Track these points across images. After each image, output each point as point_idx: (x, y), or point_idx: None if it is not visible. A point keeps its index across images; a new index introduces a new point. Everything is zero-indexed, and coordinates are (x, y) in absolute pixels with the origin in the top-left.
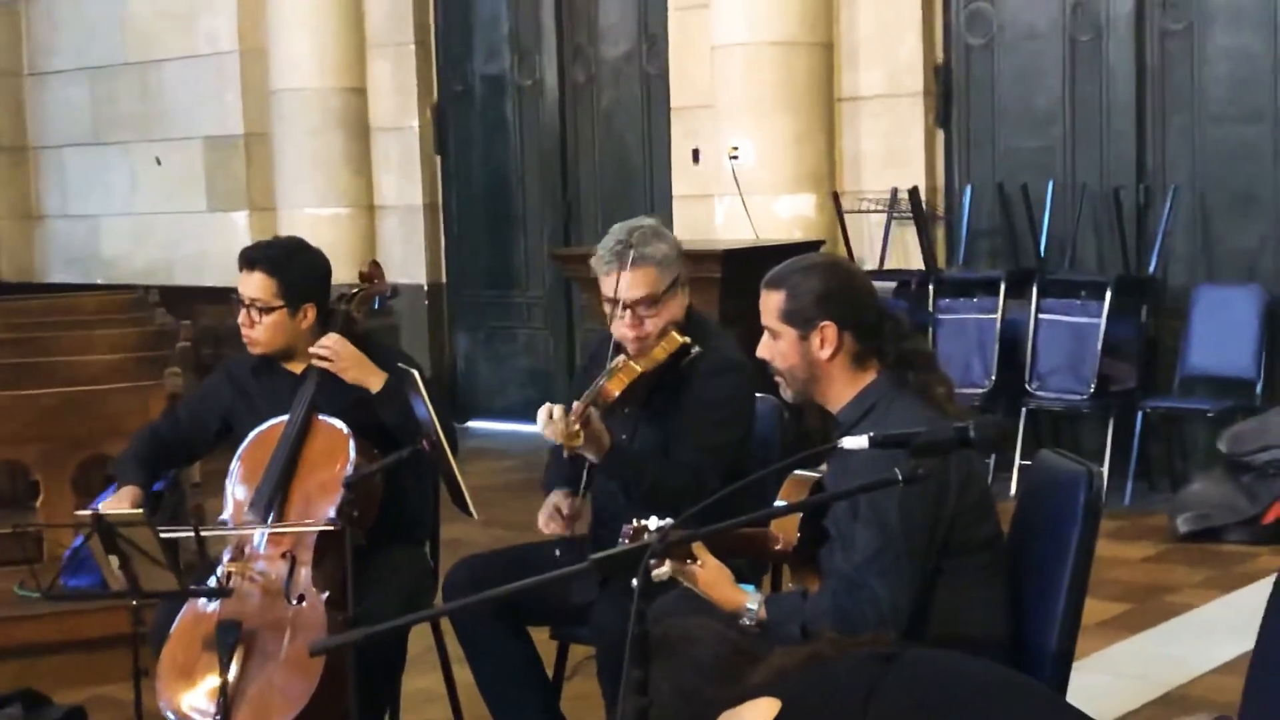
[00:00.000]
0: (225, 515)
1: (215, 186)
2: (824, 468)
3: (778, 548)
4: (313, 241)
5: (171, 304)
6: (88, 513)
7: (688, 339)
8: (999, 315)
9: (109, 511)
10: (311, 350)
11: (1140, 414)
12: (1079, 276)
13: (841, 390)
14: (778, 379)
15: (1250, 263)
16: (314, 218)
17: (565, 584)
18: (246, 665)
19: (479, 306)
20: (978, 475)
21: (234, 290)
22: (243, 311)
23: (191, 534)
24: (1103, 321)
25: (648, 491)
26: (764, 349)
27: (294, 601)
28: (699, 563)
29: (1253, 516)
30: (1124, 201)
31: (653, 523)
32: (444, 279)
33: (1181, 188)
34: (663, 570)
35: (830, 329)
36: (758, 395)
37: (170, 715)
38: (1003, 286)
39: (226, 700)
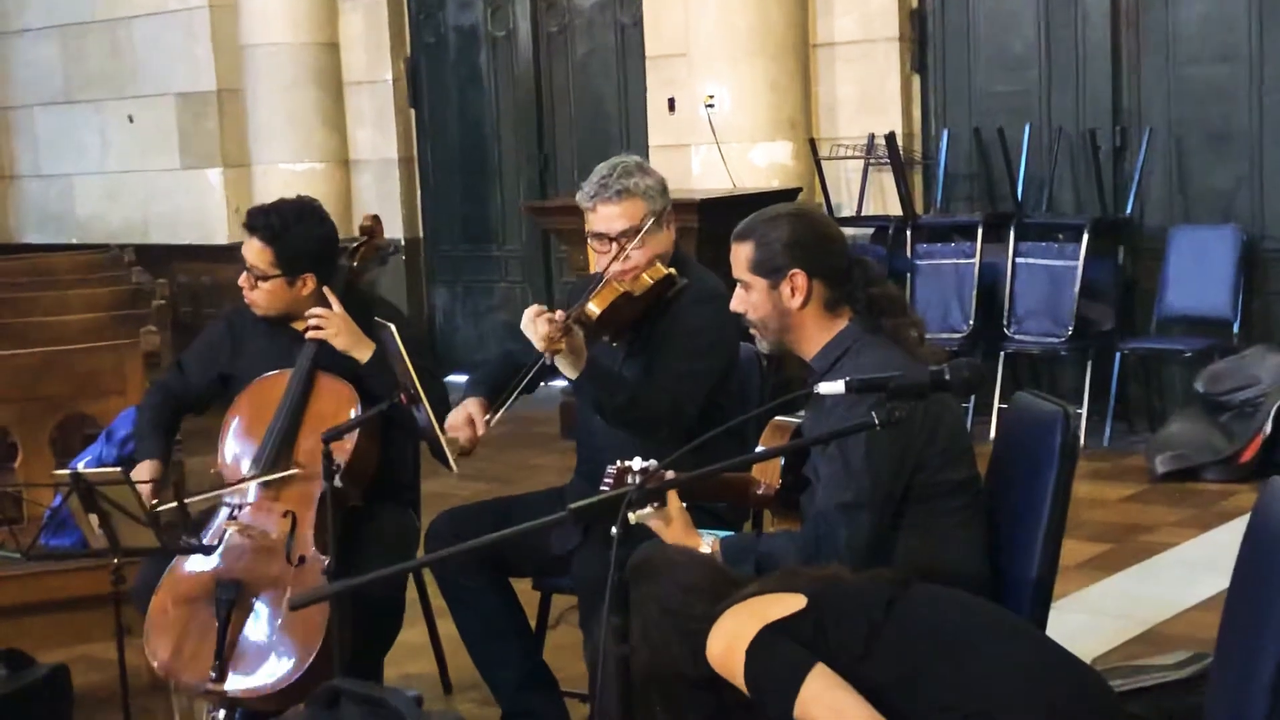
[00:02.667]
0: (223, 468)
1: (188, 143)
2: (802, 414)
3: (760, 492)
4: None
5: (147, 262)
6: (66, 472)
7: (673, 270)
8: (977, 260)
9: (87, 470)
10: (306, 315)
11: (1118, 355)
12: (1056, 219)
13: (814, 338)
14: (752, 330)
15: (1226, 203)
16: (288, 173)
17: (546, 534)
18: (244, 626)
19: (456, 261)
20: (951, 419)
21: (209, 249)
22: (244, 273)
23: (175, 506)
24: (1080, 264)
25: (623, 406)
26: (737, 301)
27: (294, 562)
28: (656, 504)
29: (1230, 455)
30: (1100, 144)
31: (636, 463)
32: (421, 234)
33: (1157, 129)
34: (644, 512)
35: (800, 277)
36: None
37: (162, 671)
38: (980, 231)
39: (223, 661)
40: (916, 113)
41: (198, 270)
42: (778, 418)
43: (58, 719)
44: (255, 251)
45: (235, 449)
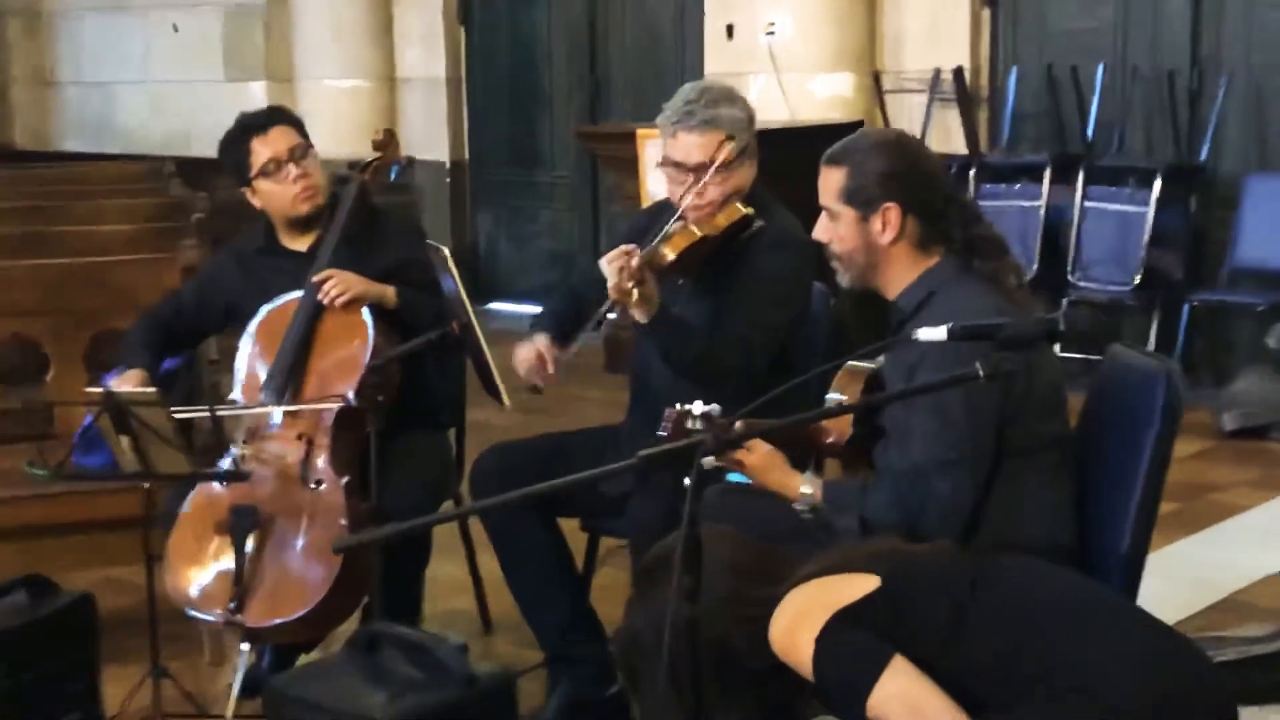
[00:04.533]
0: (235, 395)
1: (233, 56)
2: (880, 358)
3: (829, 440)
4: (332, 114)
5: (188, 175)
6: (98, 390)
7: (751, 210)
8: (1043, 202)
9: (121, 390)
10: (315, 281)
11: (1186, 307)
12: (1127, 163)
13: (901, 276)
14: (834, 263)
15: None
16: (333, 90)
17: None
18: (262, 552)
19: (501, 185)
20: (1049, 366)
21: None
22: (289, 168)
23: (206, 414)
24: (1151, 210)
25: (692, 360)
26: (821, 230)
27: (312, 486)
28: (746, 448)
29: None
30: (1177, 86)
31: (697, 407)
32: (466, 156)
33: (1236, 73)
34: (709, 460)
35: (893, 211)
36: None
37: (182, 604)
38: (1047, 172)
39: (242, 588)
40: (985, 48)
41: (235, 185)
42: (851, 361)
43: (82, 649)
44: (286, 135)
45: (247, 374)
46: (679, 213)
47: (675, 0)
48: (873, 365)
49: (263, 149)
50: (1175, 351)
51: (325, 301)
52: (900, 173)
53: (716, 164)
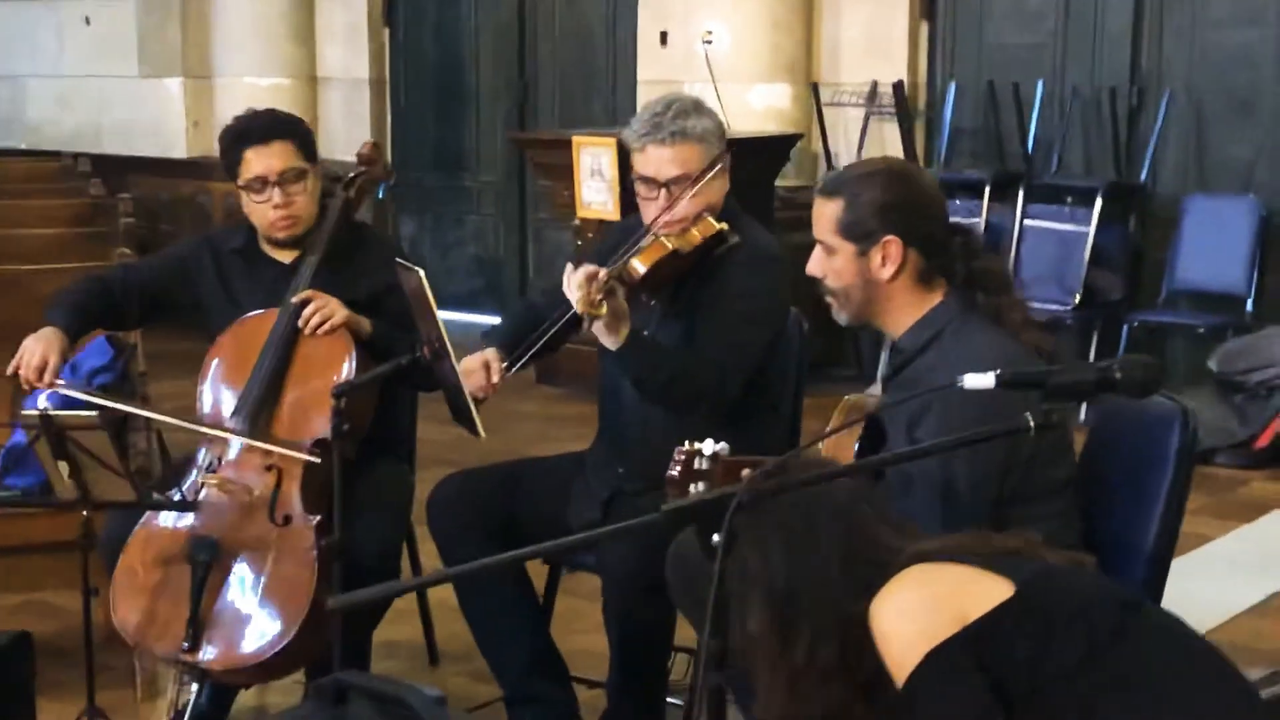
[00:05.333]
0: (202, 417)
1: (148, 50)
2: (873, 391)
3: None
4: None
5: (101, 174)
6: (35, 411)
7: (725, 225)
8: (982, 219)
9: (59, 412)
10: (296, 303)
11: (1126, 327)
12: (1068, 181)
13: (903, 313)
14: (829, 299)
15: (1245, 173)
16: (252, 87)
17: (562, 505)
18: (221, 590)
19: (426, 190)
20: None
21: (168, 162)
22: (273, 192)
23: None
24: (1091, 230)
25: (665, 383)
26: (815, 265)
27: (279, 522)
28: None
29: (1245, 440)
30: (1116, 105)
31: (707, 446)
32: (389, 159)
33: (1177, 92)
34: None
35: (894, 245)
36: None
37: (130, 638)
38: (987, 189)
39: (197, 627)
40: (923, 62)
41: (155, 185)
42: (850, 395)
43: (20, 693)
44: (283, 154)
45: (215, 395)
46: (649, 229)
47: (607, 4)
48: (872, 399)
49: (254, 163)
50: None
51: (306, 331)
52: (900, 204)
53: (689, 178)
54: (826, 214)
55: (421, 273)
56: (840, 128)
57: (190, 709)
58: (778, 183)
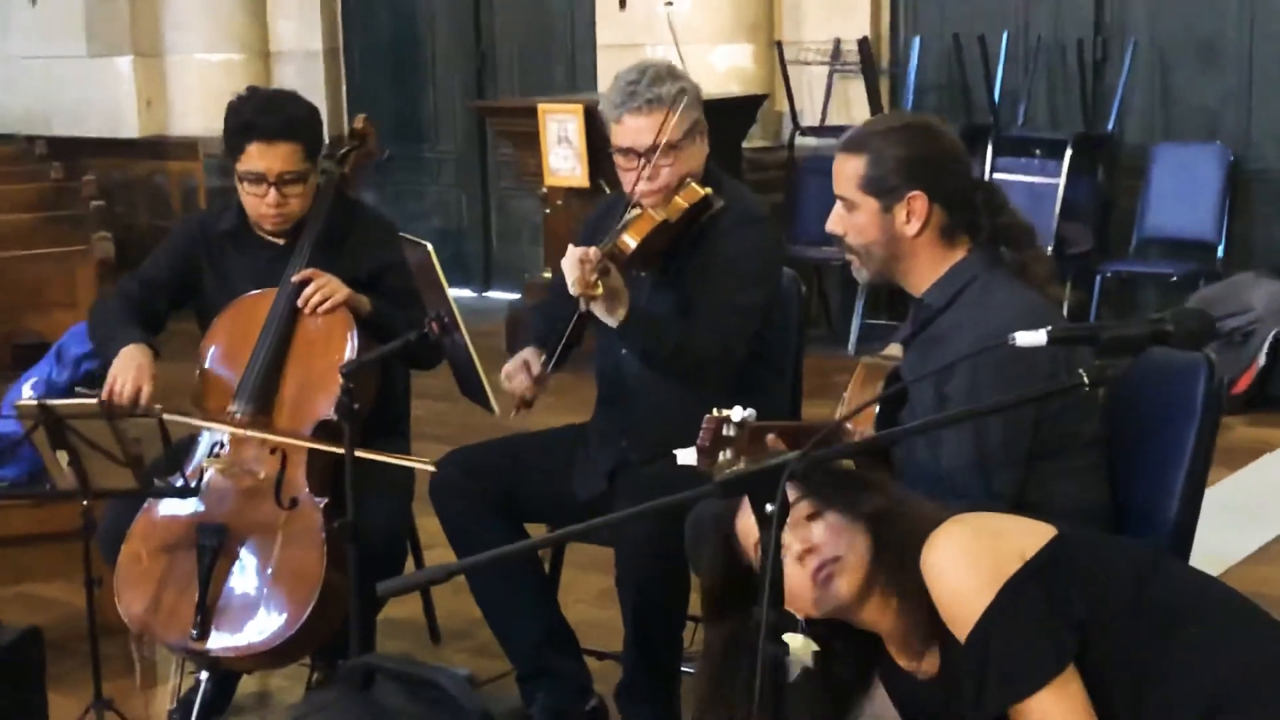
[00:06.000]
0: (203, 400)
1: (96, 29)
2: (890, 350)
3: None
4: (204, 90)
5: (60, 156)
6: (32, 402)
7: (709, 190)
8: None
9: (58, 402)
10: (295, 282)
11: (1099, 278)
12: (1036, 134)
13: (926, 269)
14: (850, 257)
15: (1212, 120)
16: (204, 64)
17: (567, 478)
18: (228, 576)
19: (384, 162)
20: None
21: (122, 143)
22: (270, 191)
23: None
24: (1062, 181)
25: (671, 354)
26: (836, 222)
27: (285, 505)
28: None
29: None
30: (1082, 55)
31: (736, 413)
32: (346, 132)
33: (1141, 41)
34: (739, 466)
35: (919, 200)
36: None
37: (136, 628)
38: None
39: (206, 615)
40: (885, 17)
41: (109, 166)
42: (867, 358)
43: (32, 688)
44: (288, 156)
45: (216, 377)
46: (633, 200)
47: None
48: (889, 361)
49: (257, 158)
50: (1090, 319)
51: (306, 310)
52: (925, 158)
53: (668, 145)
54: (849, 169)
55: (429, 247)
56: (805, 86)
57: (199, 698)
58: (744, 144)
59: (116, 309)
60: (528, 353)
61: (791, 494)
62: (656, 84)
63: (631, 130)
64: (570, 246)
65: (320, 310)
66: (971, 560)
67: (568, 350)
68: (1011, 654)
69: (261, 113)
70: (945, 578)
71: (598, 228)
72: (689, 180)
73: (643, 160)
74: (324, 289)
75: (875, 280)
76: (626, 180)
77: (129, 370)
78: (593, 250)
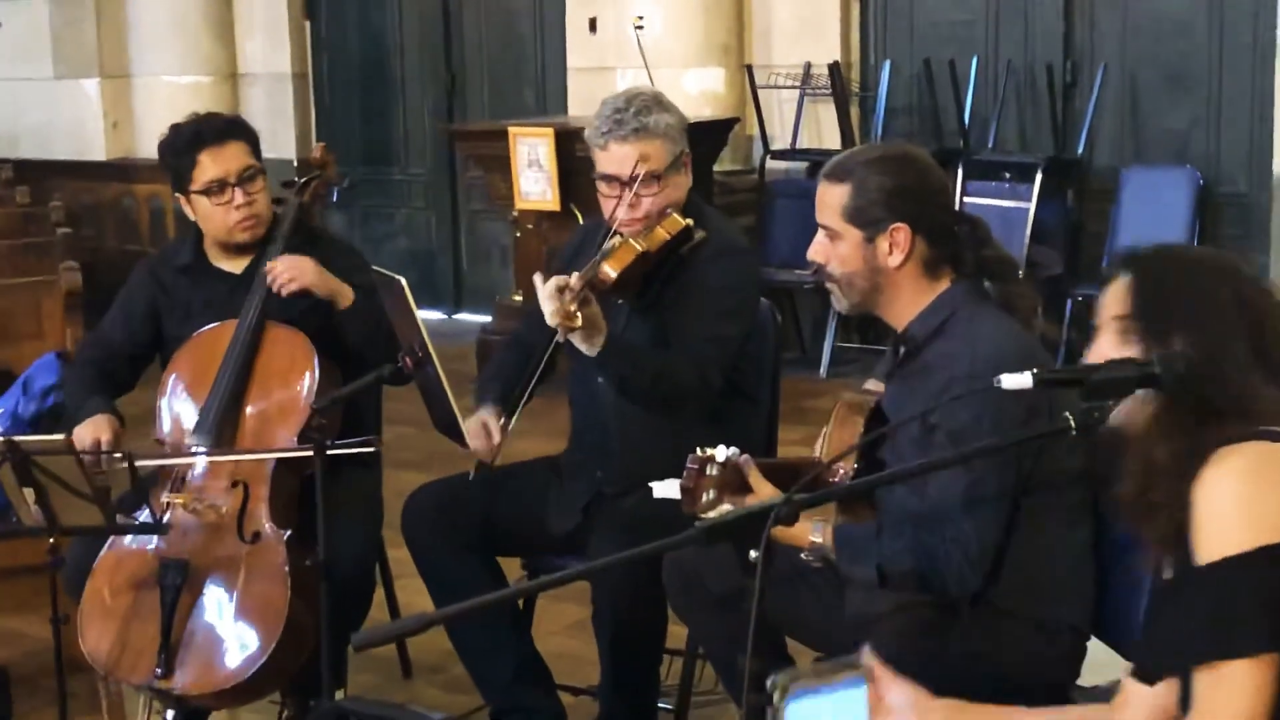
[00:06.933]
0: (162, 436)
1: (63, 50)
2: (869, 385)
3: (834, 480)
4: (171, 113)
5: (26, 179)
6: None
7: (690, 221)
8: None
9: (25, 439)
10: (267, 270)
11: (1070, 302)
12: (1006, 158)
13: (908, 301)
14: (830, 286)
15: (1181, 144)
16: (172, 86)
17: (542, 511)
18: (192, 612)
19: (353, 184)
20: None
21: (90, 165)
22: (235, 193)
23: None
24: (1032, 205)
25: (648, 385)
26: (818, 251)
27: (248, 539)
28: (754, 493)
29: None
30: (1052, 79)
31: (720, 453)
32: (307, 160)
33: (1111, 65)
34: (724, 507)
35: (901, 232)
36: None
37: (101, 666)
38: None
39: (170, 653)
40: (855, 41)
41: (76, 189)
42: (848, 394)
43: None
44: (239, 154)
45: (175, 412)
46: (612, 229)
47: None
48: (869, 396)
49: (211, 166)
50: (1059, 348)
51: (275, 288)
52: (909, 190)
53: (651, 175)
54: (832, 199)
55: (402, 280)
56: (775, 110)
57: None
58: (714, 167)
59: (82, 379)
60: (486, 414)
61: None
62: (644, 113)
63: (616, 158)
64: (537, 276)
65: (286, 289)
66: (1260, 497)
67: (542, 379)
68: (1240, 608)
69: (200, 123)
70: (1224, 499)
71: (575, 255)
72: (670, 210)
73: (625, 189)
74: (291, 268)
75: (855, 311)
76: (607, 207)
77: (87, 429)
78: (574, 279)
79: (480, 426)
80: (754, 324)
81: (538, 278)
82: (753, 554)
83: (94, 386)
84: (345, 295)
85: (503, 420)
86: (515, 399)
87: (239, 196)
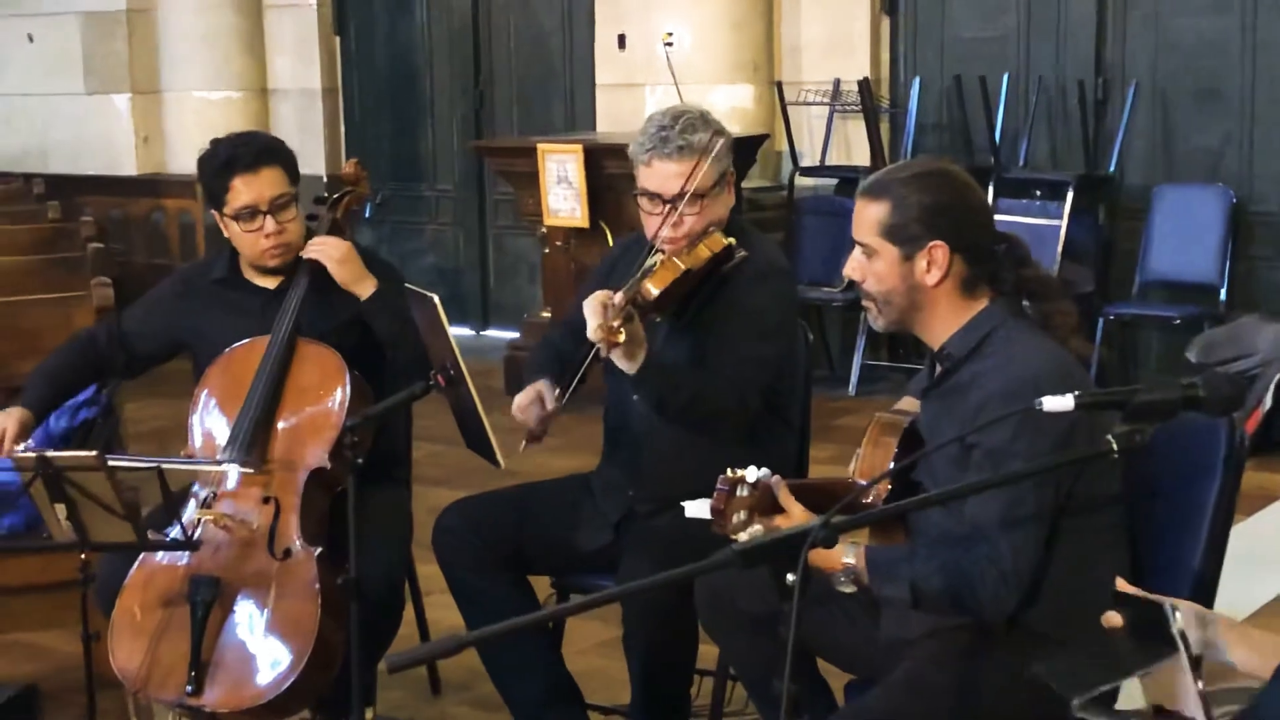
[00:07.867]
0: (194, 451)
1: (94, 66)
2: (902, 405)
3: (867, 501)
4: (201, 128)
5: (57, 194)
6: (31, 454)
7: (732, 240)
8: None
9: (57, 454)
10: (308, 247)
11: (1101, 320)
12: (1037, 175)
13: (946, 320)
14: (866, 304)
15: (1213, 162)
16: (202, 102)
17: (572, 529)
18: (223, 629)
19: (385, 200)
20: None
21: (119, 180)
22: (266, 221)
23: (152, 469)
24: (1064, 223)
25: (686, 404)
26: (855, 268)
27: (279, 556)
28: (785, 514)
29: None
30: (1083, 96)
31: (750, 474)
32: (340, 175)
33: (1142, 82)
34: (755, 528)
35: (940, 250)
36: None
37: (131, 684)
38: None
39: (200, 670)
40: (885, 57)
41: (106, 204)
42: (883, 414)
43: None
44: (273, 180)
45: (207, 428)
46: (655, 247)
47: (561, 7)
48: (904, 415)
49: (244, 191)
50: (1091, 366)
51: (307, 255)
52: (947, 208)
53: (696, 194)
54: (870, 216)
55: (435, 299)
56: (805, 127)
57: None
58: (743, 184)
59: (62, 352)
60: (542, 385)
61: None
62: (689, 131)
63: (659, 175)
64: (586, 290)
65: (307, 254)
66: None
67: (577, 388)
68: None
69: (236, 147)
70: None
71: (611, 270)
72: (713, 229)
73: (669, 206)
74: (324, 243)
75: (891, 329)
76: (649, 224)
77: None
78: (618, 296)
79: (536, 394)
80: (794, 343)
81: (594, 294)
82: (790, 577)
83: (58, 371)
84: (365, 287)
85: (557, 391)
86: (568, 380)
87: (269, 225)
